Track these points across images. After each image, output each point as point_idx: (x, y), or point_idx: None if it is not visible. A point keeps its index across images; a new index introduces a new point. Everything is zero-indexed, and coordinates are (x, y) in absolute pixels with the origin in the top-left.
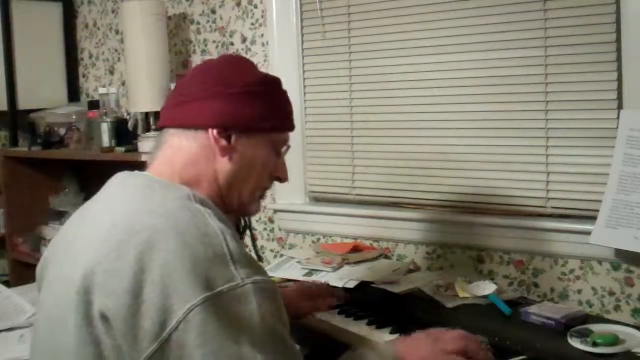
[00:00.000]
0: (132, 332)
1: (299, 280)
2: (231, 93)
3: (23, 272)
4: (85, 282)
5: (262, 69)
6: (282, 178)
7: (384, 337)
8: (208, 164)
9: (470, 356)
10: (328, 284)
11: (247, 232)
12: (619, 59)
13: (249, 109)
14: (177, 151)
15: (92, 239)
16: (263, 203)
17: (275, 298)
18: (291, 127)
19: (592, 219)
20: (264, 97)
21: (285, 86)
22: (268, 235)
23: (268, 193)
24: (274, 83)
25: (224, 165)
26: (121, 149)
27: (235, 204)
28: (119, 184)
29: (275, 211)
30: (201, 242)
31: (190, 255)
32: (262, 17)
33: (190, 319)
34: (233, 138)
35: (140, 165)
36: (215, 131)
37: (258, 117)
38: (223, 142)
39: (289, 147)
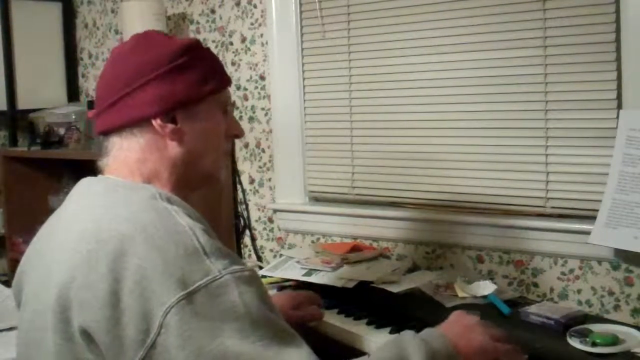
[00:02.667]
0: (117, 343)
1: (296, 281)
2: (158, 75)
3: None
4: (61, 300)
5: (262, 68)
6: (239, 134)
7: (383, 337)
8: (161, 153)
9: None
10: (316, 294)
11: (247, 231)
12: (618, 59)
13: (181, 83)
14: (128, 151)
15: (62, 252)
16: (263, 203)
17: (257, 283)
18: (228, 82)
19: (591, 218)
20: (191, 64)
21: (285, 86)
22: (268, 235)
23: (268, 193)
24: (194, 46)
25: (177, 148)
26: None
27: (202, 180)
28: (84, 191)
29: (275, 211)
30: (171, 242)
31: (161, 257)
32: (261, 17)
33: (169, 321)
34: (178, 118)
35: None
36: (158, 120)
37: (194, 87)
38: (169, 126)
39: (233, 103)
